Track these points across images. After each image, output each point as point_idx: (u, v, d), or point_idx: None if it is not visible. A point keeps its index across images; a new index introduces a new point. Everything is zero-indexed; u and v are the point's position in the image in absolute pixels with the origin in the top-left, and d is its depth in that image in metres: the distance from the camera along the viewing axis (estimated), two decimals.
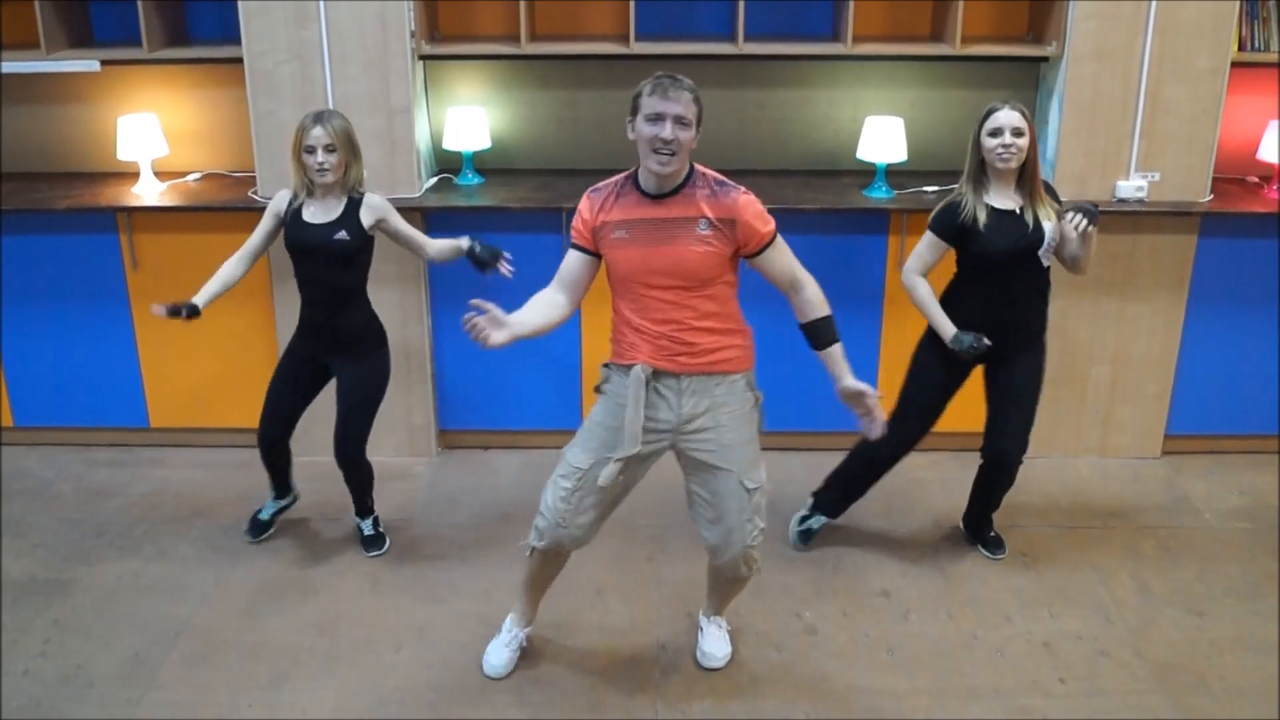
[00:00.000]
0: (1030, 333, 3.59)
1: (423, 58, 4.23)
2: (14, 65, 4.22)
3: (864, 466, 3.81)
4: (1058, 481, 4.33)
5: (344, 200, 3.52)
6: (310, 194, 3.53)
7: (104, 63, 4.26)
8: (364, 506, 3.92)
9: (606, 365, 3.03)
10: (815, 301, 2.91)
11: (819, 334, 2.92)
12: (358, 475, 3.83)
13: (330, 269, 3.54)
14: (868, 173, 4.36)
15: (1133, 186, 4.15)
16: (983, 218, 3.41)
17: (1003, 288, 3.48)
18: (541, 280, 4.27)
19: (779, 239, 2.88)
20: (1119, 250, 4.23)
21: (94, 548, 3.94)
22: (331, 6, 3.99)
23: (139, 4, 4.07)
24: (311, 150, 3.41)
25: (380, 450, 4.50)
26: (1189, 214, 4.16)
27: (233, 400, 4.50)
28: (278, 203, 3.58)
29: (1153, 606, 3.61)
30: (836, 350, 2.92)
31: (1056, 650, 3.40)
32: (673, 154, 2.75)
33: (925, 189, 4.31)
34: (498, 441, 4.65)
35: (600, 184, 2.94)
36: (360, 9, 3.99)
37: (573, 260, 2.97)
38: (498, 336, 2.76)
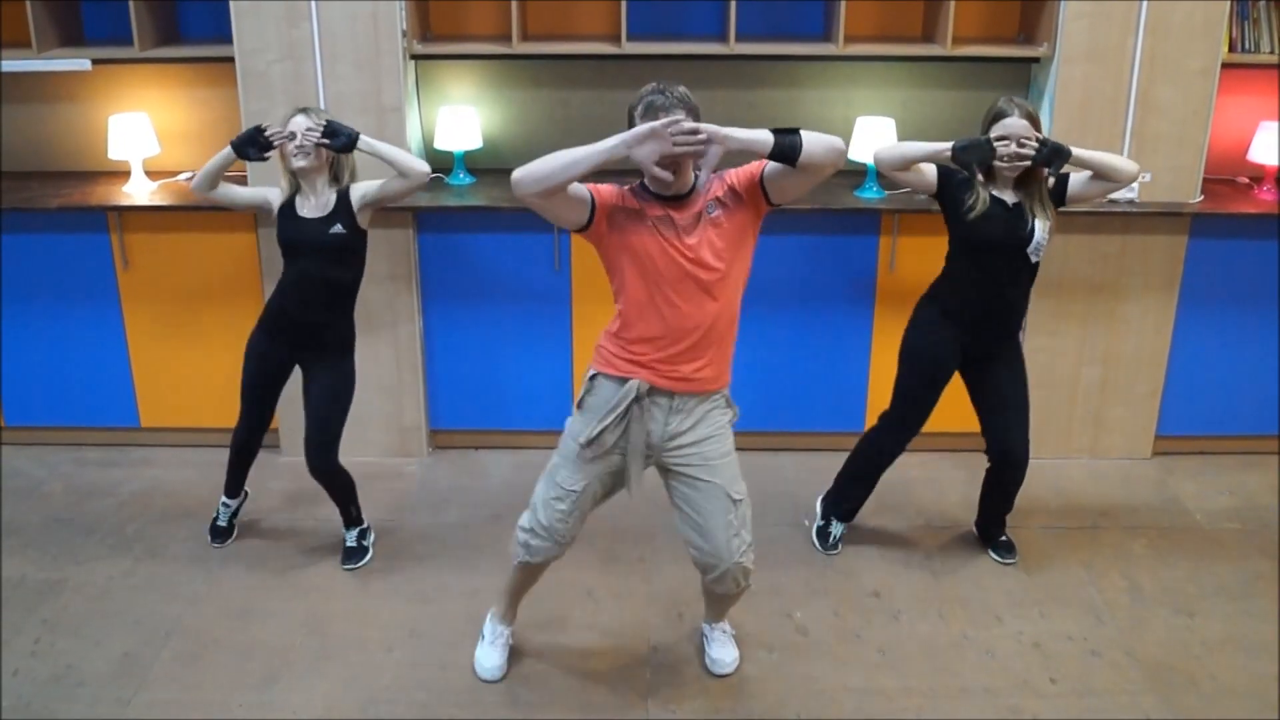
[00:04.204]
0: (1010, 329, 3.60)
1: (414, 57, 4.22)
2: (5, 64, 4.20)
3: (867, 464, 3.81)
4: (1048, 482, 4.33)
5: (335, 194, 3.51)
6: (299, 189, 3.52)
7: (95, 61, 4.24)
8: (349, 516, 3.83)
9: (594, 375, 2.94)
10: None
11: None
12: (338, 483, 3.74)
13: (325, 265, 3.51)
14: (859, 173, 4.36)
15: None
16: (980, 207, 3.41)
17: (991, 278, 3.48)
18: (534, 281, 4.34)
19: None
20: (1110, 251, 4.23)
21: (84, 547, 3.93)
22: (323, 5, 3.98)
23: (130, 3, 4.05)
24: (293, 135, 3.41)
25: (371, 450, 4.51)
26: (1179, 215, 4.17)
27: (223, 400, 4.46)
28: (271, 194, 3.58)
29: (1144, 606, 3.61)
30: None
31: (1047, 650, 3.40)
32: (674, 175, 2.71)
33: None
34: (489, 442, 4.65)
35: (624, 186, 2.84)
36: (352, 8, 3.99)
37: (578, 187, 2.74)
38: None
